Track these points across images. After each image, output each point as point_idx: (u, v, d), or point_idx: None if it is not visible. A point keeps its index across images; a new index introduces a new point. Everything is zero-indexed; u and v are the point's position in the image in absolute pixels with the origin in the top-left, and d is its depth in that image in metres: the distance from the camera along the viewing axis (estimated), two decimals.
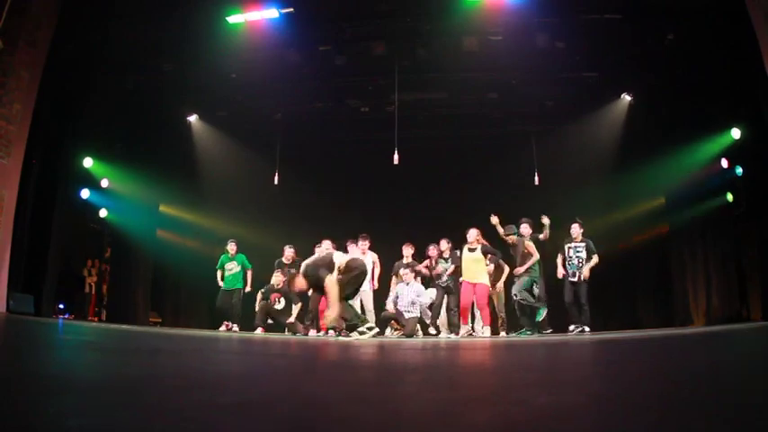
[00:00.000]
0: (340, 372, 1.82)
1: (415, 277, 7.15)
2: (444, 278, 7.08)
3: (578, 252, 7.05)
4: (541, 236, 7.07)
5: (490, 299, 7.01)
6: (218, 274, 8.34)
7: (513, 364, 2.24)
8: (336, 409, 0.94)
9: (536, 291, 6.86)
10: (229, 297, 8.14)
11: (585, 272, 6.85)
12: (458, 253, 7.08)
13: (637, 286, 9.33)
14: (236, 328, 7.84)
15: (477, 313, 7.08)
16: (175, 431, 0.76)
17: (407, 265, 7.13)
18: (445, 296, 7.09)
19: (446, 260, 7.16)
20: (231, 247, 8.39)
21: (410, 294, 6.88)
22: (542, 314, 6.70)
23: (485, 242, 6.96)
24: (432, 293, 7.14)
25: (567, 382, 1.49)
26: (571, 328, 6.90)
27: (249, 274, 8.28)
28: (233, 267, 8.26)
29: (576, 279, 6.98)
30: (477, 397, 1.15)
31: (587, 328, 6.80)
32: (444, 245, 7.19)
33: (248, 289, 8.22)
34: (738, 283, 7.07)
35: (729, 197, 7.30)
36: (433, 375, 1.73)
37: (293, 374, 1.71)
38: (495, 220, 6.98)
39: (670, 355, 2.49)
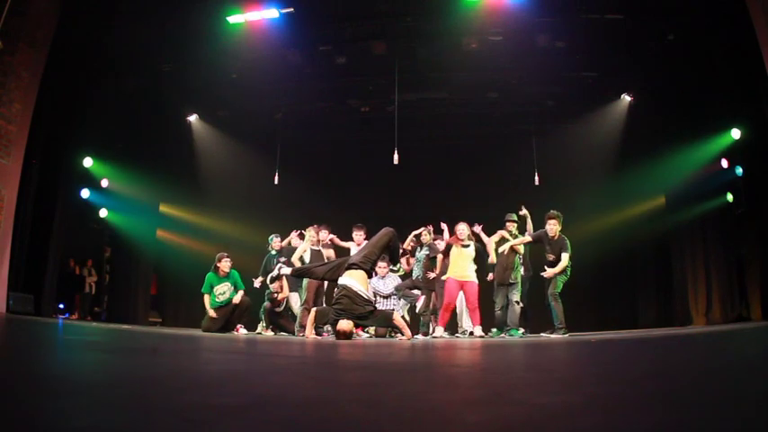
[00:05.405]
0: (340, 372, 1.82)
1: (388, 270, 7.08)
2: (416, 272, 6.95)
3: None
4: (526, 234, 6.86)
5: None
6: (206, 299, 6.86)
7: (511, 364, 2.24)
8: (336, 410, 0.94)
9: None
10: (226, 311, 6.86)
11: (549, 273, 6.20)
12: (439, 245, 6.82)
13: (637, 286, 9.34)
14: (243, 330, 7.01)
15: (465, 312, 6.80)
16: None
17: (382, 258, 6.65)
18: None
19: (421, 248, 7.01)
20: (225, 265, 6.91)
21: (385, 288, 6.88)
22: (519, 334, 6.32)
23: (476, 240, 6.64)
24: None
25: (567, 381, 1.49)
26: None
27: (240, 294, 6.91)
28: (225, 290, 6.89)
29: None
30: (478, 397, 1.15)
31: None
32: (426, 235, 7.00)
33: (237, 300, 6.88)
34: (738, 283, 7.07)
35: (729, 197, 7.30)
36: (430, 375, 1.73)
37: (294, 374, 1.71)
38: (478, 228, 6.83)
39: (670, 355, 2.49)
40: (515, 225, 6.89)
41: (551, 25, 7.19)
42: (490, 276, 6.92)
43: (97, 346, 2.77)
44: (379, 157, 8.21)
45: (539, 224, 6.60)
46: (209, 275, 6.95)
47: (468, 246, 6.39)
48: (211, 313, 6.80)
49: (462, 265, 6.33)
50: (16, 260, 6.27)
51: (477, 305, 6.32)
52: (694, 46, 7.02)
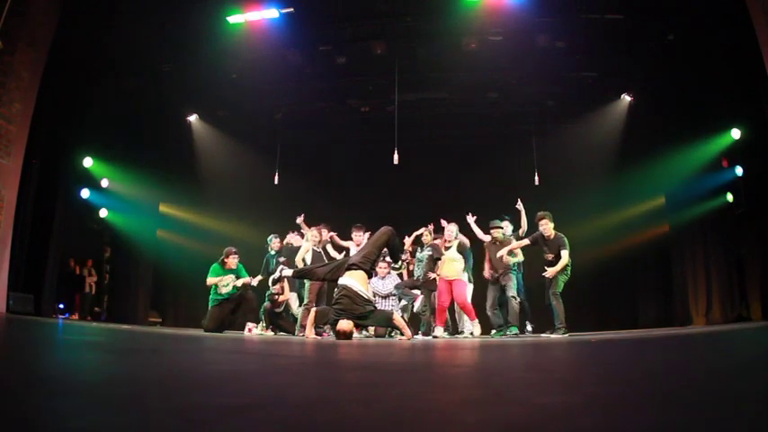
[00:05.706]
0: (340, 372, 1.82)
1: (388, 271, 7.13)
2: (416, 271, 6.95)
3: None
4: (521, 230, 6.91)
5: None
6: (209, 281, 6.78)
7: (511, 364, 2.24)
8: (336, 410, 0.94)
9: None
10: (228, 308, 6.77)
11: (550, 272, 6.17)
12: (437, 243, 6.79)
13: (637, 286, 9.35)
14: (256, 329, 6.86)
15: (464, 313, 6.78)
16: None
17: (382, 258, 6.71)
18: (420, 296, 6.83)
19: (422, 249, 7.01)
20: (232, 261, 6.80)
21: (384, 289, 6.92)
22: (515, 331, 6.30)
23: (463, 239, 6.71)
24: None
25: (567, 382, 1.49)
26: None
27: (245, 280, 6.90)
28: (229, 282, 6.79)
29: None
30: (478, 397, 1.15)
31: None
32: (426, 236, 6.97)
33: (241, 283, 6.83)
34: (738, 283, 7.07)
35: (729, 197, 7.30)
36: (430, 375, 1.73)
37: (294, 374, 1.71)
38: (471, 219, 6.92)
39: (670, 355, 2.49)
40: (500, 231, 6.80)
41: (551, 25, 7.19)
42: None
43: (97, 346, 2.77)
44: (379, 157, 8.21)
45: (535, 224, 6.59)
46: (215, 266, 6.84)
47: (449, 247, 6.52)
48: (212, 281, 6.74)
49: (448, 265, 6.45)
50: (16, 260, 6.27)
51: (465, 302, 6.41)
52: (694, 46, 7.02)
